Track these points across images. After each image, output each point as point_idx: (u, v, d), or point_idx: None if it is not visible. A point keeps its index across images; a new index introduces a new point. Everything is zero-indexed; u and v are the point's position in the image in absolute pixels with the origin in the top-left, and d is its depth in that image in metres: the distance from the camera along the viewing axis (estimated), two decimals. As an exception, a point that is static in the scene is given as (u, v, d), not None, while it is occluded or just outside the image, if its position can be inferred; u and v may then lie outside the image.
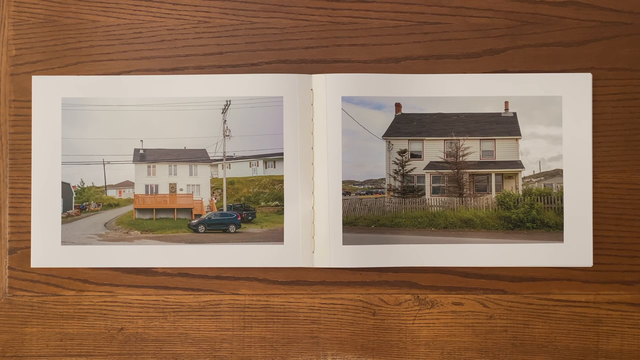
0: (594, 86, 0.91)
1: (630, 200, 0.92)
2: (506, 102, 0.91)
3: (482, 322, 0.91)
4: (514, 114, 0.91)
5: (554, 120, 0.91)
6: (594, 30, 0.92)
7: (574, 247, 0.90)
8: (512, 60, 0.92)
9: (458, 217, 0.92)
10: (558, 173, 0.91)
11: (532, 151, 0.91)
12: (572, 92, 0.91)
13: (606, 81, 0.92)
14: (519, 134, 0.91)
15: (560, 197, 0.91)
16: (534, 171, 0.91)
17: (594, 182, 0.91)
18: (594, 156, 0.91)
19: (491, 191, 0.92)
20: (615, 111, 0.92)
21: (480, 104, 0.91)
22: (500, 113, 0.92)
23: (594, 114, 0.91)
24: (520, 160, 0.92)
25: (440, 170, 0.93)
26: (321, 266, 0.90)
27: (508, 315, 0.91)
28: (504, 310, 0.91)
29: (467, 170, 0.92)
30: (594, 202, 0.91)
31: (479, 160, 0.93)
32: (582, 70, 0.92)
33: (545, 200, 0.91)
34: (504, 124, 0.92)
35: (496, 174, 0.93)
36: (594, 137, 0.91)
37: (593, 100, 0.91)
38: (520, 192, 0.92)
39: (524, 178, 0.92)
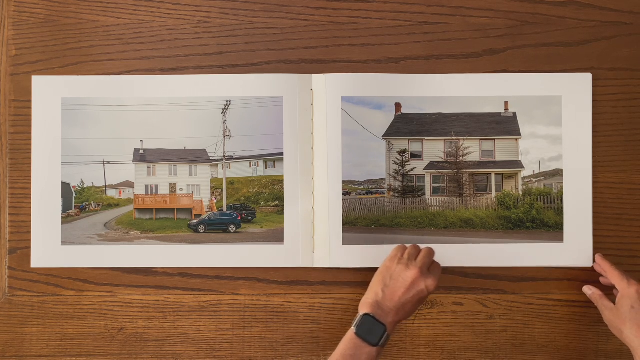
0: (594, 86, 0.91)
1: (630, 200, 0.92)
2: (506, 102, 0.91)
3: (482, 322, 0.91)
4: (514, 113, 0.91)
5: (554, 120, 0.91)
6: (594, 30, 0.92)
7: (574, 247, 0.90)
8: (512, 60, 0.92)
9: (458, 217, 0.92)
10: (558, 173, 0.91)
11: (532, 151, 0.91)
12: (572, 92, 0.91)
13: (606, 81, 0.92)
14: (519, 134, 0.91)
15: (560, 197, 0.91)
16: (533, 171, 0.91)
17: (594, 182, 0.91)
18: (594, 156, 0.91)
19: (491, 191, 0.92)
20: (615, 111, 0.92)
21: (480, 104, 0.91)
22: (500, 113, 0.92)
23: (594, 114, 0.91)
24: (520, 160, 0.92)
25: (440, 170, 0.93)
26: (321, 266, 0.90)
27: (508, 315, 0.91)
28: (504, 310, 0.91)
29: (467, 170, 0.92)
30: (594, 202, 0.91)
31: (479, 160, 0.93)
32: (582, 70, 0.92)
33: (545, 200, 0.91)
34: (504, 124, 0.92)
35: (496, 174, 0.93)
36: (594, 137, 0.91)
37: (593, 100, 0.91)
38: (520, 192, 0.92)
39: (523, 178, 0.92)
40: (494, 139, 0.92)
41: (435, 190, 0.93)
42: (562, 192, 0.90)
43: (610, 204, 0.91)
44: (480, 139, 0.92)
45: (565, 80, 0.91)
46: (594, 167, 0.91)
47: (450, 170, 0.92)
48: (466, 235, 0.91)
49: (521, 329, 0.91)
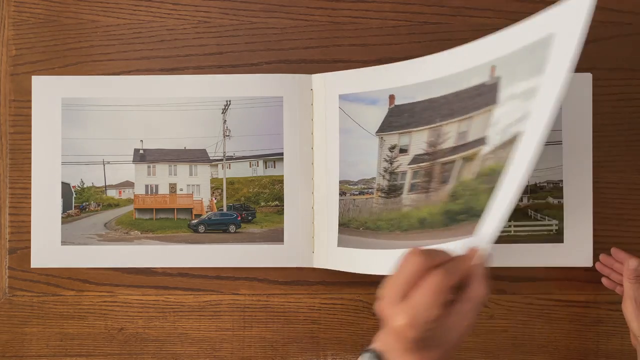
0: (594, 86, 0.91)
1: (630, 200, 0.91)
2: (492, 67, 0.75)
3: (482, 322, 0.91)
4: (499, 78, 0.73)
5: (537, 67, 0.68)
6: (594, 30, 0.92)
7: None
8: (512, 60, 0.92)
9: (416, 217, 0.82)
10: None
11: (502, 119, 0.70)
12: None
13: (606, 81, 0.92)
14: (496, 102, 0.72)
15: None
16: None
17: (593, 182, 0.91)
18: (594, 156, 0.91)
19: (452, 181, 0.77)
20: (615, 111, 0.92)
21: (467, 77, 0.77)
22: (484, 82, 0.75)
23: (594, 114, 0.91)
24: (486, 136, 0.72)
25: (419, 165, 0.83)
26: (320, 267, 0.90)
27: (508, 315, 0.91)
28: (504, 310, 0.91)
29: (439, 160, 0.80)
30: (593, 202, 0.91)
31: (453, 145, 0.78)
32: (582, 70, 0.92)
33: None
34: (485, 95, 0.75)
35: (464, 159, 0.76)
36: (594, 137, 0.91)
37: (593, 100, 0.91)
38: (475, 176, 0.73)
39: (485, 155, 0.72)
40: (472, 117, 0.76)
41: (412, 187, 0.84)
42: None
43: (610, 204, 0.91)
44: (459, 120, 0.79)
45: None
46: (593, 167, 0.91)
47: (427, 163, 0.82)
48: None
49: (521, 329, 0.91)
